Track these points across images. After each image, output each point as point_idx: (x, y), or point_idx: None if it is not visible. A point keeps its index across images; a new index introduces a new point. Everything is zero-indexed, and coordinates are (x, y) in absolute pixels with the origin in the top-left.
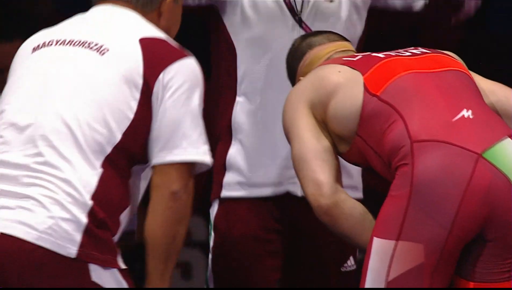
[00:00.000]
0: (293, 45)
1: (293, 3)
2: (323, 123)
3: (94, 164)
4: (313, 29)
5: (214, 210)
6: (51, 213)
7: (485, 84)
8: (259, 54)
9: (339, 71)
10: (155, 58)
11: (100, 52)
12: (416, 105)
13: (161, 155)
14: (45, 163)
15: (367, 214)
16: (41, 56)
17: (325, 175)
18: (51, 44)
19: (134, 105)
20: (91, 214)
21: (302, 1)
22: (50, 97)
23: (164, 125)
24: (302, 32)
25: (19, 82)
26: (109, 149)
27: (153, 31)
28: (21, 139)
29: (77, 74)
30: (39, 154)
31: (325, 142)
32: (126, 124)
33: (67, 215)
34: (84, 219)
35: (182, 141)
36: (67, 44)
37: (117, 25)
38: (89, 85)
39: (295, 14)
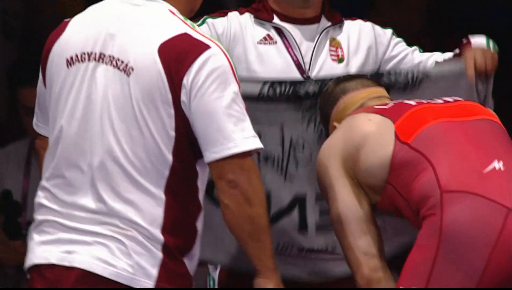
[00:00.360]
0: (326, 90)
1: (301, 62)
2: (354, 176)
3: (155, 195)
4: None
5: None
6: (127, 250)
7: None
8: None
9: (370, 120)
10: (175, 65)
11: (126, 73)
12: (446, 154)
13: (206, 154)
14: (111, 209)
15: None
16: (77, 75)
17: (374, 247)
18: (85, 60)
19: (171, 122)
20: (165, 248)
21: (311, 60)
22: (98, 130)
23: (199, 126)
24: None
25: (64, 105)
26: (166, 173)
27: (172, 28)
28: (84, 182)
29: (114, 101)
30: (103, 200)
31: (365, 206)
32: (171, 143)
33: (143, 251)
34: (159, 254)
35: (219, 137)
36: (98, 60)
37: (138, 30)
38: (127, 114)
39: (303, 73)
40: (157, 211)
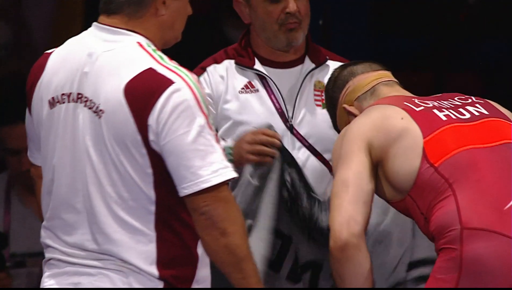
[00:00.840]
0: (332, 74)
1: (284, 110)
2: (377, 164)
3: (145, 232)
4: (305, 136)
5: None
6: (129, 280)
7: None
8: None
9: (402, 118)
10: (140, 105)
11: (98, 115)
12: (471, 186)
13: (178, 190)
14: (104, 250)
15: (371, 272)
16: (60, 117)
17: (361, 216)
18: (64, 101)
19: (146, 161)
20: (164, 280)
21: (294, 107)
22: (84, 172)
23: (168, 163)
24: (293, 139)
25: (54, 146)
26: (152, 209)
27: (137, 64)
28: (80, 222)
29: (92, 144)
30: (97, 241)
31: (372, 186)
32: (151, 180)
33: (143, 283)
34: (160, 285)
35: (187, 174)
36: (76, 100)
37: (106, 69)
38: (104, 156)
39: (286, 121)
40: (149, 248)
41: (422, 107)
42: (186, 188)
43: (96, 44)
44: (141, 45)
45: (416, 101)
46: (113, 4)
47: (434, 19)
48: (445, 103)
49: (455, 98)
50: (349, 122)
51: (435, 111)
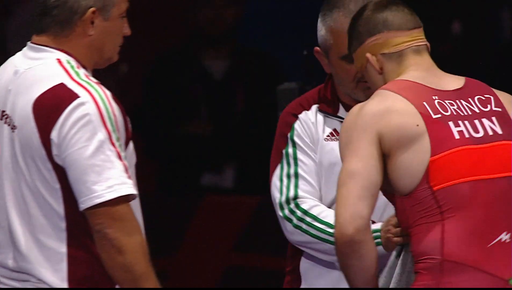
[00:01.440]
0: (366, 9)
1: None
2: (385, 157)
3: (57, 250)
4: None
5: None
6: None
7: None
8: None
9: (417, 125)
10: (45, 120)
11: (13, 130)
12: (461, 221)
13: (79, 205)
14: (21, 268)
15: (376, 262)
16: None
17: (367, 210)
18: None
19: (52, 176)
20: None
21: None
22: (3, 191)
23: (69, 178)
24: None
25: None
26: (63, 225)
27: (49, 80)
28: (5, 241)
29: (9, 160)
30: (16, 259)
31: (379, 179)
32: (59, 195)
33: None
34: None
35: (82, 188)
36: (1, 118)
37: (24, 86)
38: (17, 173)
39: None
40: (61, 266)
41: (439, 115)
42: (82, 203)
43: (22, 62)
44: (60, 62)
45: (437, 101)
46: (42, 23)
47: None
48: (464, 107)
49: (475, 99)
50: (364, 68)
51: (451, 124)
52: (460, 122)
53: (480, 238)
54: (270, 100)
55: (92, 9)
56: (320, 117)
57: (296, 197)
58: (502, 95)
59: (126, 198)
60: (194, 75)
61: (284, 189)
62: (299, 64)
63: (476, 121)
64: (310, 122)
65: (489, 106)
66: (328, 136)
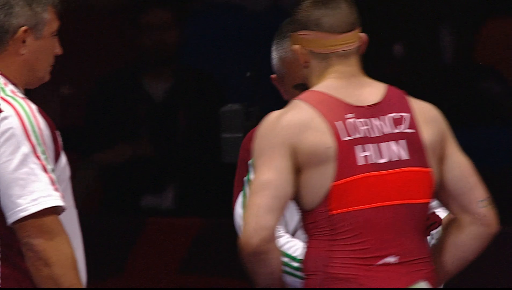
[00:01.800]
0: (302, 4)
1: None
2: (297, 170)
3: None
4: None
5: None
6: None
7: (455, 158)
8: None
9: (328, 148)
10: None
11: None
12: (351, 243)
13: (6, 220)
14: None
15: (280, 268)
16: None
17: (273, 223)
18: None
19: None
20: None
21: None
22: None
23: None
24: None
25: None
26: None
27: None
28: None
29: None
30: None
31: (290, 192)
32: None
33: None
34: None
35: (7, 202)
36: None
37: None
38: None
39: None
40: None
41: (349, 138)
42: (8, 217)
43: None
44: None
45: (349, 121)
46: None
47: None
48: (376, 126)
49: (389, 117)
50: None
51: (358, 148)
52: (367, 146)
53: (367, 260)
54: (213, 122)
55: (23, 28)
56: None
57: None
58: (421, 112)
59: (53, 210)
60: (135, 96)
61: None
62: (242, 85)
63: (384, 145)
64: None
65: (400, 127)
66: None
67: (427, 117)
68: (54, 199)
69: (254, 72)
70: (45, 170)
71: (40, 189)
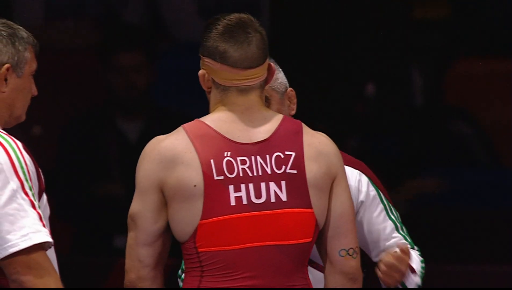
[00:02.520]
0: (219, 22)
1: None
2: (166, 201)
3: None
4: None
5: None
6: None
7: (338, 199)
8: None
9: (195, 185)
10: None
11: None
12: (219, 279)
13: None
14: None
15: None
16: None
17: (149, 259)
18: None
19: None
20: None
21: None
22: None
23: None
24: None
25: None
26: None
27: None
28: None
29: None
30: None
31: (159, 225)
32: None
33: None
34: None
35: None
36: None
37: None
38: None
39: None
40: None
41: (221, 177)
42: None
43: None
44: None
45: (226, 159)
46: None
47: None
48: (257, 165)
49: (273, 156)
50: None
51: (231, 188)
52: (243, 185)
53: None
54: None
55: (7, 66)
56: None
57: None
58: (311, 148)
59: (42, 246)
60: (108, 136)
61: None
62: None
63: (263, 185)
64: None
65: (284, 167)
66: None
67: (317, 152)
68: (43, 235)
69: None
70: (33, 206)
71: (29, 225)
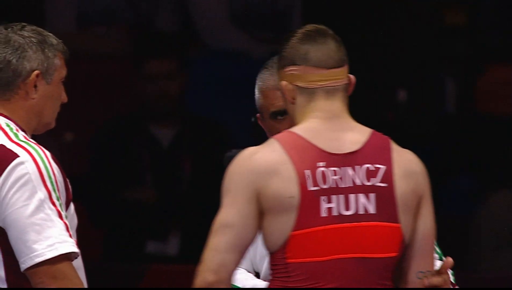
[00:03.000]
0: (294, 34)
1: None
2: (261, 213)
3: None
4: None
5: None
6: None
7: (423, 220)
8: None
9: (290, 197)
10: None
11: None
12: None
13: (20, 265)
14: None
15: None
16: None
17: (233, 265)
18: None
19: None
20: None
21: None
22: None
23: (9, 238)
24: None
25: None
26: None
27: None
28: None
29: None
30: None
31: (252, 235)
32: (0, 258)
33: None
34: None
35: (22, 248)
36: None
37: None
38: None
39: None
40: None
41: (316, 188)
42: (22, 263)
43: None
44: None
45: (320, 170)
46: None
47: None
48: (347, 177)
49: (363, 168)
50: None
51: (323, 199)
52: (334, 197)
53: None
54: (218, 167)
55: (36, 72)
56: None
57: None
58: (400, 165)
59: (68, 257)
60: (141, 142)
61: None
62: (247, 130)
63: (352, 196)
64: None
65: (373, 179)
66: None
67: (406, 170)
68: (70, 245)
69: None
70: (60, 216)
71: (56, 235)
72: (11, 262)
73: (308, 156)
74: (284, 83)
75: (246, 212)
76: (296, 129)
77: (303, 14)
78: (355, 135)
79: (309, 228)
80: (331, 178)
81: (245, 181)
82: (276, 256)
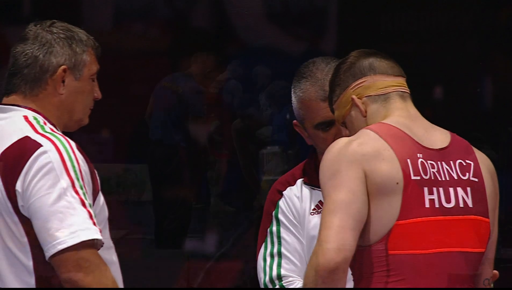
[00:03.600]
0: (350, 57)
1: None
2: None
3: None
4: None
5: None
6: None
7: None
8: None
9: (397, 183)
10: (9, 173)
11: None
12: (405, 285)
13: (45, 254)
14: None
15: None
16: None
17: (354, 243)
18: None
19: (20, 229)
20: None
21: None
22: None
23: (34, 226)
24: None
25: None
26: (32, 282)
27: (14, 135)
28: None
29: None
30: None
31: (365, 214)
32: (27, 249)
33: None
34: None
35: (45, 236)
36: None
37: None
38: None
39: None
40: None
41: (418, 177)
42: (46, 251)
43: None
44: (26, 118)
45: (420, 161)
46: (10, 85)
47: None
48: (444, 170)
49: (456, 163)
50: (349, 114)
51: (425, 190)
52: (435, 189)
53: None
54: (253, 163)
55: (63, 67)
56: (305, 190)
57: (279, 276)
58: (482, 161)
59: (92, 244)
60: (178, 139)
61: (268, 269)
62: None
63: (451, 189)
64: (295, 198)
65: (467, 174)
66: (314, 209)
67: (489, 170)
68: (93, 232)
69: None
70: (83, 204)
71: (78, 223)
72: (39, 253)
73: (407, 145)
74: (354, 97)
75: (359, 188)
76: (388, 121)
77: (339, 11)
78: (440, 134)
79: (414, 218)
80: (430, 170)
81: (354, 162)
82: (375, 248)
